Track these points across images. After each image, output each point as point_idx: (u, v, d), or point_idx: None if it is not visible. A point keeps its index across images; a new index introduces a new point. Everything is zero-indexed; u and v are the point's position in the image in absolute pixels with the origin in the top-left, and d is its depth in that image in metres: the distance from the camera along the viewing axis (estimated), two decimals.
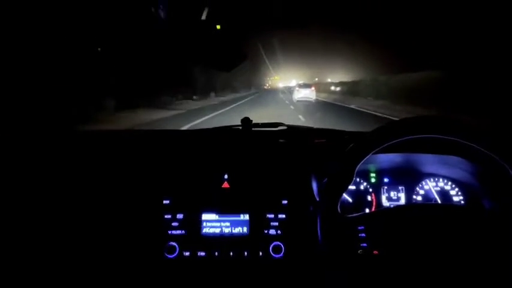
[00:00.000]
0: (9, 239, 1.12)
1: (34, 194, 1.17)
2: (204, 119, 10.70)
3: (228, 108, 15.60)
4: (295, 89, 24.04)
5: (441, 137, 1.02)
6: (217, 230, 1.12)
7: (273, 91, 46.04)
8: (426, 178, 1.35)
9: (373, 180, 1.36)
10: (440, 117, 1.04)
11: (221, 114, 12.76)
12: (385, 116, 12.59)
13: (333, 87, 34.73)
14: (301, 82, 25.89)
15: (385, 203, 1.34)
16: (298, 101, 21.14)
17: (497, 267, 0.90)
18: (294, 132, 1.52)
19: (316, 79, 64.10)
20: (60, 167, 1.22)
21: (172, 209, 1.14)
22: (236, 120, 1.51)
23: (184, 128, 7.95)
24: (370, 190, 1.35)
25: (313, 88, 22.86)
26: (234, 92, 28.75)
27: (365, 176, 1.36)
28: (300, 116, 11.98)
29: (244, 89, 38.12)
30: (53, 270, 1.10)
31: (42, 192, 1.18)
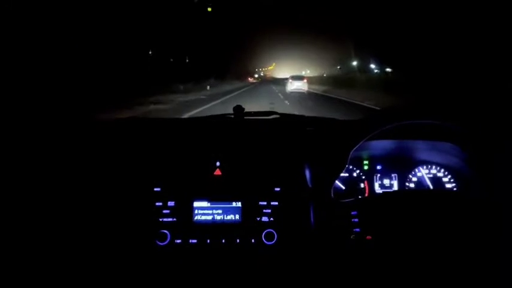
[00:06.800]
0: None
1: (22, 182, 1.14)
2: None
3: None
4: (288, 81, 24.54)
5: (432, 122, 1.02)
6: (209, 218, 1.11)
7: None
8: (419, 165, 1.35)
9: (366, 167, 1.36)
10: (431, 103, 1.04)
11: None
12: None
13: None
14: (294, 74, 26.44)
15: (378, 190, 1.34)
16: (291, 92, 21.50)
17: (487, 251, 0.92)
18: (287, 120, 1.51)
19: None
20: (50, 154, 1.19)
21: (164, 197, 1.12)
22: None
23: None
24: (363, 177, 1.35)
25: (305, 80, 23.76)
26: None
27: (358, 163, 1.36)
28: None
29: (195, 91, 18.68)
30: (42, 256, 1.07)
31: (33, 180, 1.14)
